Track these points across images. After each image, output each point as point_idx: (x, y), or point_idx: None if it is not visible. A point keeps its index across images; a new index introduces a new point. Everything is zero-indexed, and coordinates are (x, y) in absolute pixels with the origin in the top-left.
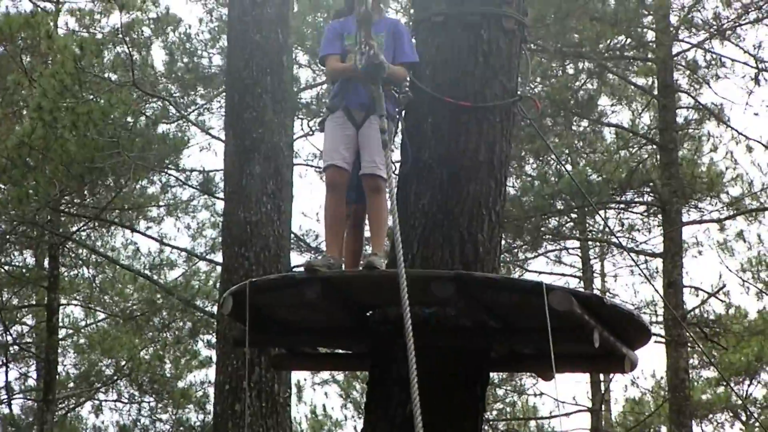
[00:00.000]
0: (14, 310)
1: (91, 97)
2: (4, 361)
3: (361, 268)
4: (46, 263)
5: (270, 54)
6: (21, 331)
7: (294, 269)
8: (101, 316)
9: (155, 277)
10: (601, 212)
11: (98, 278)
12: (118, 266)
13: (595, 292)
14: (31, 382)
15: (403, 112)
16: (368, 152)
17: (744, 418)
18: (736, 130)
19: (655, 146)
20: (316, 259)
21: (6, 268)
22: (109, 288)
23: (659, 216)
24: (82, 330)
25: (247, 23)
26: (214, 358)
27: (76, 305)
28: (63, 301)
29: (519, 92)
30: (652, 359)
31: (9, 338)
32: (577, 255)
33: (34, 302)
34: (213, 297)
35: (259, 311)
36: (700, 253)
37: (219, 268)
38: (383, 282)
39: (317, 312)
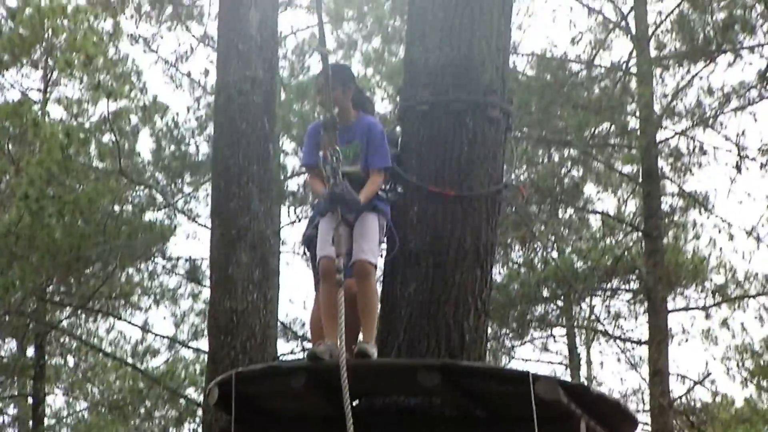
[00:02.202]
0: None
1: (78, 185)
2: None
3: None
4: (30, 352)
5: (256, 142)
6: (3, 422)
7: (280, 358)
8: (85, 404)
9: (140, 365)
10: (587, 300)
11: (82, 366)
12: (102, 354)
13: (582, 379)
14: None
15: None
16: (357, 242)
17: None
18: (721, 218)
19: (640, 233)
20: (318, 346)
21: None
22: (94, 376)
23: (645, 303)
24: (66, 419)
25: (233, 112)
26: None
27: (59, 394)
28: (46, 389)
29: (504, 180)
30: None
31: None
32: (564, 342)
33: (16, 392)
34: (199, 385)
35: (246, 401)
36: (686, 340)
37: (204, 356)
38: (369, 372)
39: (304, 401)
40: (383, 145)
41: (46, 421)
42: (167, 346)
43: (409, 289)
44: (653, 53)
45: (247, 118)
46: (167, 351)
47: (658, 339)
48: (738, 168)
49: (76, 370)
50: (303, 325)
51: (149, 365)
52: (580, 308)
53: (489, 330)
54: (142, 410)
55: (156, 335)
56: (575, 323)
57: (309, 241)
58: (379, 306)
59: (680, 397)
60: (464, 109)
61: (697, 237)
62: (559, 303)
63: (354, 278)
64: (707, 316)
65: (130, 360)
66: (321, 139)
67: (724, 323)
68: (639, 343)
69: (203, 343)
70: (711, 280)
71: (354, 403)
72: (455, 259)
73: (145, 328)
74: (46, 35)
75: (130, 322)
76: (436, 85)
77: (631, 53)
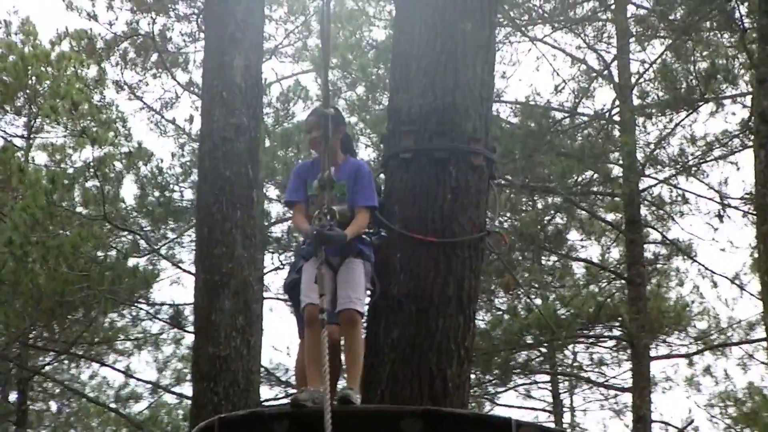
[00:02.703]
0: None
1: (62, 231)
2: None
3: (335, 401)
4: (12, 397)
5: (240, 189)
6: None
7: (263, 404)
8: None
9: (123, 410)
10: (571, 346)
11: (65, 411)
12: (85, 399)
13: (565, 426)
14: None
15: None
16: (344, 289)
17: None
18: (704, 266)
19: (623, 281)
20: (301, 393)
21: None
22: (77, 421)
23: (628, 350)
24: None
25: (217, 159)
26: None
27: None
28: None
29: (487, 227)
30: None
31: None
32: (547, 389)
33: None
34: (182, 431)
35: None
36: (669, 387)
37: (187, 401)
38: (352, 418)
39: None
40: (370, 184)
41: None
42: (150, 392)
43: (392, 336)
44: (636, 102)
45: (231, 165)
46: (150, 396)
47: (641, 386)
48: (720, 216)
49: (59, 414)
50: (286, 371)
51: (132, 410)
52: (564, 355)
53: (472, 376)
54: None
55: (139, 380)
56: (558, 370)
57: (291, 287)
58: (363, 354)
59: None
60: (447, 157)
61: (679, 284)
62: (543, 350)
63: (341, 326)
64: (690, 364)
65: (113, 405)
66: (317, 198)
67: (707, 370)
68: (622, 390)
69: (186, 389)
70: (694, 326)
71: None
72: (438, 306)
73: (128, 374)
74: (29, 82)
75: (113, 367)
76: (419, 132)
77: (614, 102)
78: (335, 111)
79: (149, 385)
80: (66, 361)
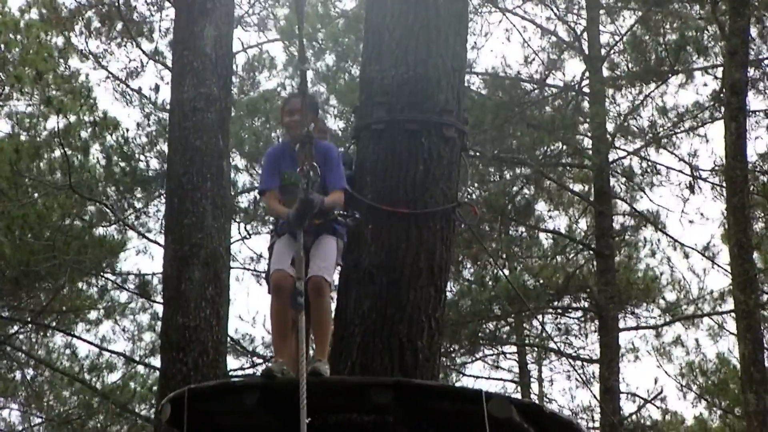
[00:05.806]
0: None
1: (28, 200)
2: None
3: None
4: None
5: (210, 159)
6: None
7: (231, 375)
8: (38, 420)
9: (92, 381)
10: (538, 317)
11: (35, 381)
12: (52, 369)
13: (533, 397)
14: None
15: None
16: (314, 261)
17: None
18: (673, 238)
19: (591, 252)
20: (274, 364)
21: None
22: (50, 389)
23: (596, 321)
24: None
25: (187, 129)
26: None
27: (13, 409)
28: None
29: (458, 198)
30: None
31: None
32: (515, 360)
33: None
34: (149, 400)
35: (198, 418)
36: (636, 358)
37: (155, 372)
38: (323, 389)
39: (257, 419)
40: (339, 166)
41: None
42: (123, 362)
43: (363, 308)
44: (606, 73)
45: (201, 135)
46: (123, 367)
47: (609, 357)
48: (691, 188)
49: (32, 383)
50: (252, 341)
51: (106, 381)
52: (531, 326)
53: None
54: (96, 425)
55: (108, 351)
56: (526, 341)
57: None
58: (332, 324)
59: (631, 415)
60: (419, 129)
61: (649, 255)
62: (510, 320)
63: (309, 294)
64: (658, 335)
65: (84, 375)
66: (297, 154)
67: (676, 341)
68: (590, 360)
69: (156, 361)
70: (664, 298)
71: (307, 421)
72: (409, 278)
73: (99, 346)
74: None
75: (80, 338)
76: (391, 104)
77: (584, 73)
78: (312, 98)
79: (119, 356)
80: (34, 331)
